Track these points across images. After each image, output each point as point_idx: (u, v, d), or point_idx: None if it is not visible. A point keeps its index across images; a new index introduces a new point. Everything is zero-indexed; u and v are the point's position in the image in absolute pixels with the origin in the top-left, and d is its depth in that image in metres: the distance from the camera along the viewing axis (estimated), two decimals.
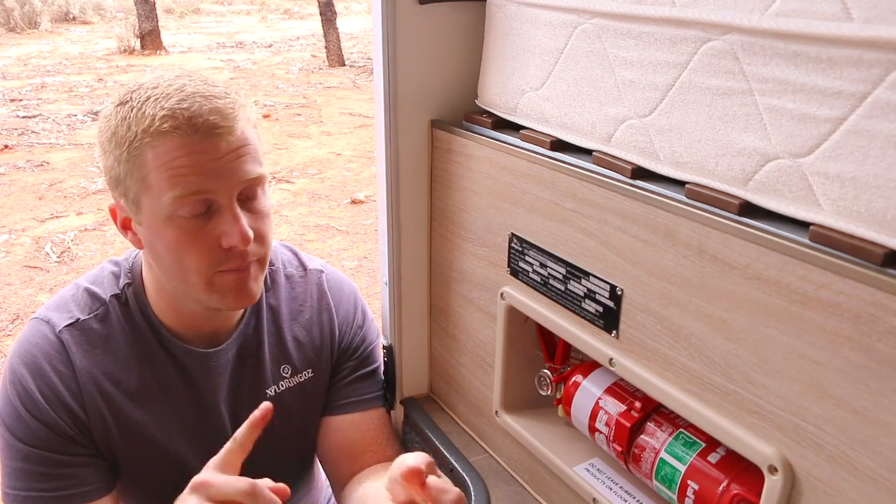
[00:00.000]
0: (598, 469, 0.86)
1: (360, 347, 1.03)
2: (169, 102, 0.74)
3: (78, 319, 0.86)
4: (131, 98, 0.77)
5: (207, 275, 0.79)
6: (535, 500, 0.94)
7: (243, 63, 8.68)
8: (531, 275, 0.85)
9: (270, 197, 0.88)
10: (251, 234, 0.78)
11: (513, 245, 0.88)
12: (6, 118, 5.95)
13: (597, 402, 0.82)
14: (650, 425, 0.77)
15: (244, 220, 0.78)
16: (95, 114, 6.08)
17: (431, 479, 0.69)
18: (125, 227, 0.83)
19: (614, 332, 0.74)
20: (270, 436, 0.97)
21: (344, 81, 7.76)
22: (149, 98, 0.76)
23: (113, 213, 0.84)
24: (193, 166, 0.74)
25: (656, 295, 0.68)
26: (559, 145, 0.81)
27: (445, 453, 1.00)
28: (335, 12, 8.44)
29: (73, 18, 11.81)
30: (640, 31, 0.68)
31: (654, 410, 0.78)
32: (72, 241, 3.71)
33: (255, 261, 0.82)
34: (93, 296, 0.88)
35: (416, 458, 0.70)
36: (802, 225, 0.58)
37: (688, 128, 0.65)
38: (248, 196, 0.80)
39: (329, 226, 3.99)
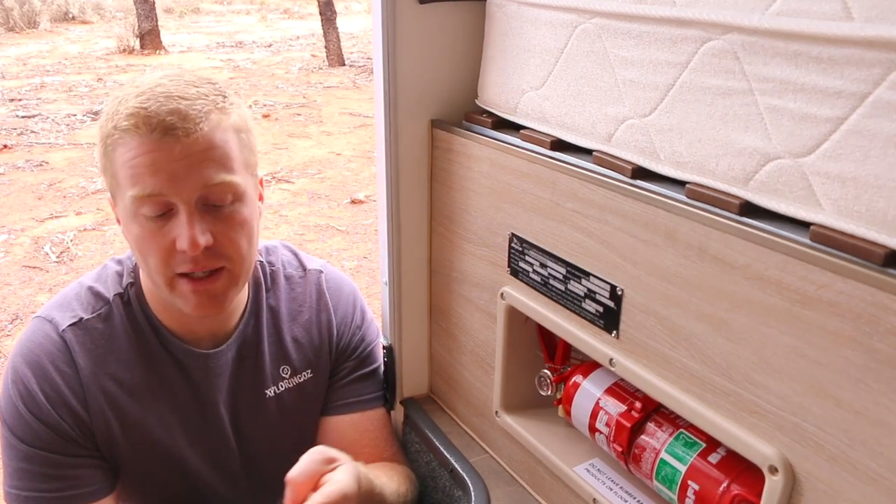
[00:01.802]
0: (599, 469, 0.86)
1: (358, 348, 1.03)
2: (137, 100, 0.75)
3: (81, 319, 0.85)
4: (121, 93, 0.78)
5: (167, 276, 0.78)
6: (536, 500, 0.94)
7: (243, 63, 8.68)
8: (531, 275, 0.85)
9: (266, 198, 0.86)
10: (203, 240, 0.75)
11: (513, 245, 0.88)
12: (5, 118, 5.94)
13: (597, 403, 0.82)
14: (650, 425, 0.77)
15: (200, 226, 0.76)
16: (95, 113, 6.08)
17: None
18: (117, 217, 0.84)
19: (614, 332, 0.74)
20: (270, 436, 0.97)
21: (344, 81, 7.76)
22: (128, 94, 0.76)
23: (111, 202, 0.85)
24: (149, 166, 0.74)
25: (657, 295, 0.68)
26: (559, 145, 0.81)
27: (445, 453, 1.00)
28: (335, 12, 8.43)
29: (73, 18, 11.80)
30: (640, 30, 0.68)
31: (654, 411, 0.78)
32: (71, 241, 3.71)
33: (221, 271, 0.79)
34: (96, 295, 0.88)
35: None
36: (803, 225, 0.58)
37: (688, 127, 0.65)
38: (214, 203, 0.77)
39: (329, 226, 3.99)
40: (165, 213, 0.76)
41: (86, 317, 0.86)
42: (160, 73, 0.79)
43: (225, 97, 0.80)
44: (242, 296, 0.92)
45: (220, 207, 0.78)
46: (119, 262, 0.92)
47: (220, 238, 0.78)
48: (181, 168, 0.74)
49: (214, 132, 0.76)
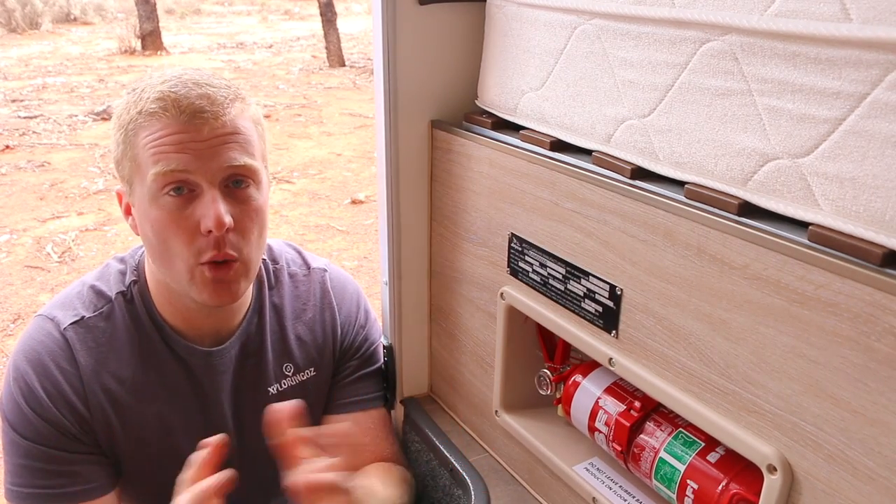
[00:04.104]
0: (598, 468, 0.86)
1: (362, 347, 1.03)
2: (164, 86, 0.77)
3: (83, 317, 0.86)
4: (137, 86, 0.81)
5: (190, 263, 0.79)
6: (535, 499, 0.94)
7: (244, 64, 8.69)
8: (531, 275, 0.86)
9: (269, 196, 0.88)
10: (228, 219, 0.77)
11: (513, 245, 0.88)
12: (7, 118, 5.95)
13: (596, 402, 0.82)
14: (649, 425, 0.78)
15: (223, 206, 0.77)
16: (97, 114, 6.08)
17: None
18: (127, 211, 0.85)
19: (614, 331, 0.74)
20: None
21: (344, 82, 7.76)
22: (149, 85, 0.79)
23: (119, 197, 0.86)
24: (176, 145, 0.76)
25: (656, 295, 0.68)
26: (559, 145, 0.81)
27: (445, 453, 1.00)
28: (335, 13, 8.44)
29: (74, 19, 11.82)
30: (639, 31, 0.68)
31: (653, 410, 0.79)
32: (73, 241, 3.72)
33: (237, 260, 0.81)
34: (98, 293, 0.88)
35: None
36: (801, 225, 0.58)
37: (687, 128, 0.65)
38: (235, 186, 0.80)
39: (329, 226, 4.00)
40: (188, 195, 0.77)
41: (87, 315, 0.86)
42: (183, 69, 0.82)
43: (239, 90, 0.83)
44: (246, 293, 0.93)
45: (240, 191, 0.81)
46: (122, 260, 0.92)
47: (236, 225, 0.79)
48: (207, 149, 0.77)
49: (238, 119, 0.80)
